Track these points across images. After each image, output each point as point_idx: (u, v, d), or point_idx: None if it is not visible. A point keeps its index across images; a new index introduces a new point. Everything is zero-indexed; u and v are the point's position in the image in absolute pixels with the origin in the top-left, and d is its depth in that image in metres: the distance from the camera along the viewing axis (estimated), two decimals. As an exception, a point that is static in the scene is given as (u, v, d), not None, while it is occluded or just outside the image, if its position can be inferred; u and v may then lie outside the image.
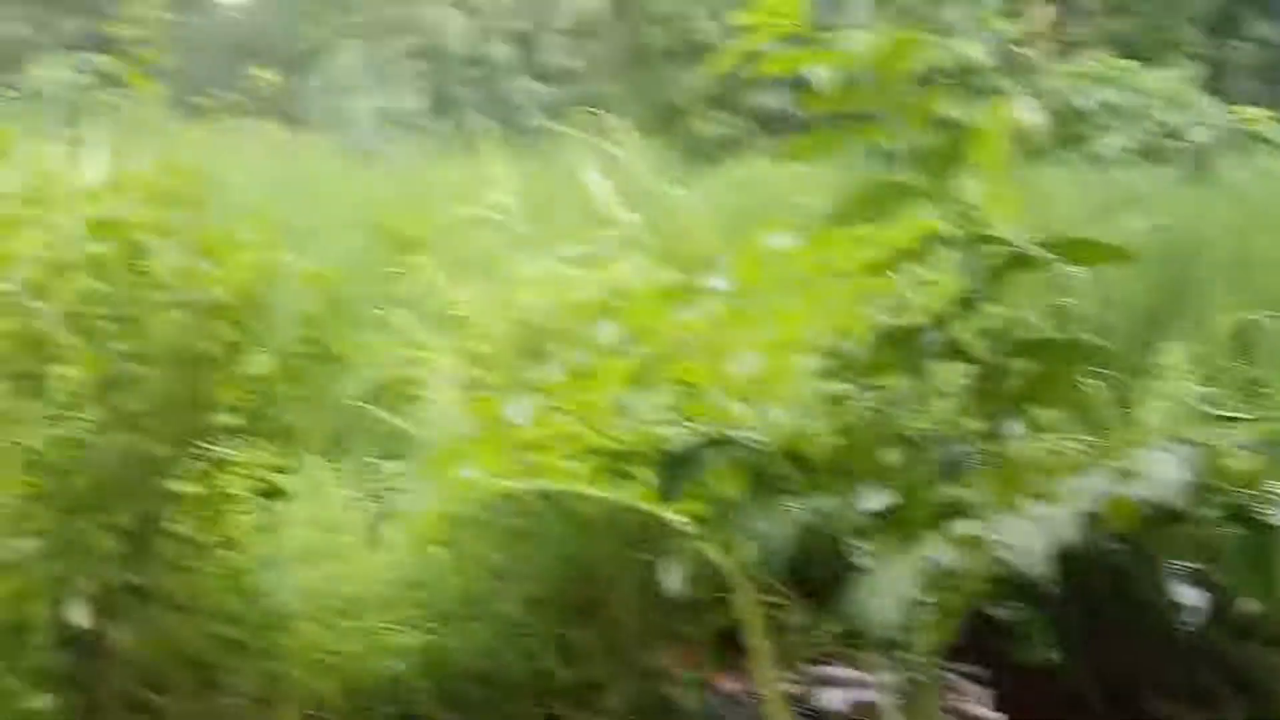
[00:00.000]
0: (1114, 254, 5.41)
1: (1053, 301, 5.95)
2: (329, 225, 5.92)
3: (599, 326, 3.36)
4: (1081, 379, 4.98)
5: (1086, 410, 5.26)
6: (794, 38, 3.93)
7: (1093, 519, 3.69)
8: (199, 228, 3.59)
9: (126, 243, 3.55)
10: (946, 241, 3.97)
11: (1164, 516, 3.81)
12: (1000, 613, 3.74)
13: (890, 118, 3.85)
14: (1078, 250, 4.57)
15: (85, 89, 18.40)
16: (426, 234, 5.56)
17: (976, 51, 15.72)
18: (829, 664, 4.43)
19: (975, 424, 4.30)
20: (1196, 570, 3.89)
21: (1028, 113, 4.46)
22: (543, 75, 16.90)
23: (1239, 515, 3.98)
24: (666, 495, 3.32)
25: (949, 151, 3.84)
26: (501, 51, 16.63)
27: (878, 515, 3.47)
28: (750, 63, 3.87)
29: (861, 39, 3.76)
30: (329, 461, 4.46)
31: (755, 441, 3.43)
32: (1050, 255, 3.97)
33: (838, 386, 4.22)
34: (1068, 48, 17.34)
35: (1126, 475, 3.25)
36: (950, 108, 4.58)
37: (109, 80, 18.43)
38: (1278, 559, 3.85)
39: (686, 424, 3.46)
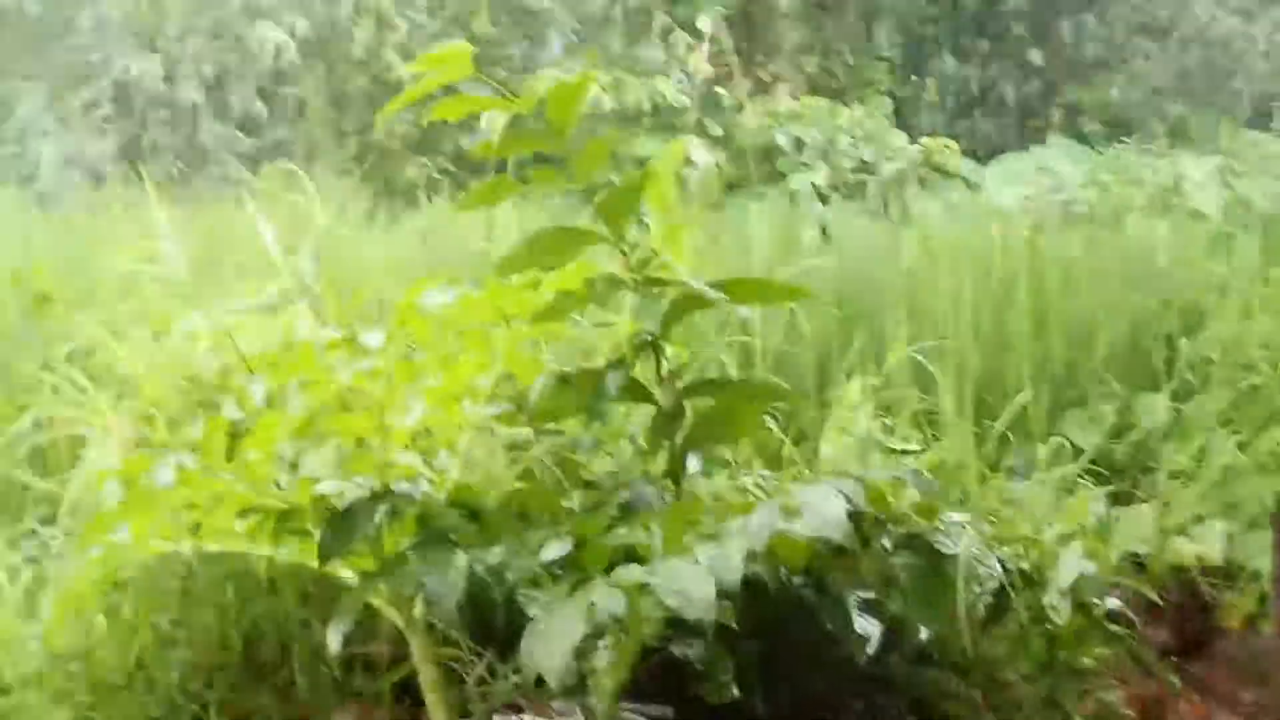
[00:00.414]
0: (787, 293, 5.53)
1: (733, 340, 6.03)
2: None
3: (254, 383, 3.29)
4: (759, 417, 5.09)
5: (765, 447, 5.38)
6: (466, 83, 3.93)
7: (763, 555, 3.76)
8: None
9: None
10: (620, 284, 4.01)
11: (835, 550, 3.90)
12: (684, 652, 3.75)
13: (565, 162, 3.87)
14: (750, 290, 4.66)
15: None
16: (91, 287, 5.39)
17: (669, 90, 15.94)
18: (516, 714, 4.40)
19: (655, 465, 4.35)
20: (873, 600, 3.96)
21: (699, 154, 4.53)
22: (238, 119, 16.60)
23: (913, 545, 4.10)
24: (329, 552, 3.26)
25: (622, 196, 3.87)
26: (194, 95, 16.29)
27: (553, 563, 3.47)
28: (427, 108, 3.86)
29: (531, 85, 3.77)
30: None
31: (421, 493, 3.40)
32: (722, 295, 4.04)
33: (515, 432, 4.23)
34: (763, 86, 17.71)
35: (790, 512, 3.31)
36: (624, 150, 4.67)
37: None
38: (949, 586, 3.98)
39: (352, 479, 3.40)
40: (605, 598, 3.03)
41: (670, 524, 3.46)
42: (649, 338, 4.14)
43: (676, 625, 3.41)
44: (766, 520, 3.25)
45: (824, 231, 9.03)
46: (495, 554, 3.33)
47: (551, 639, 2.97)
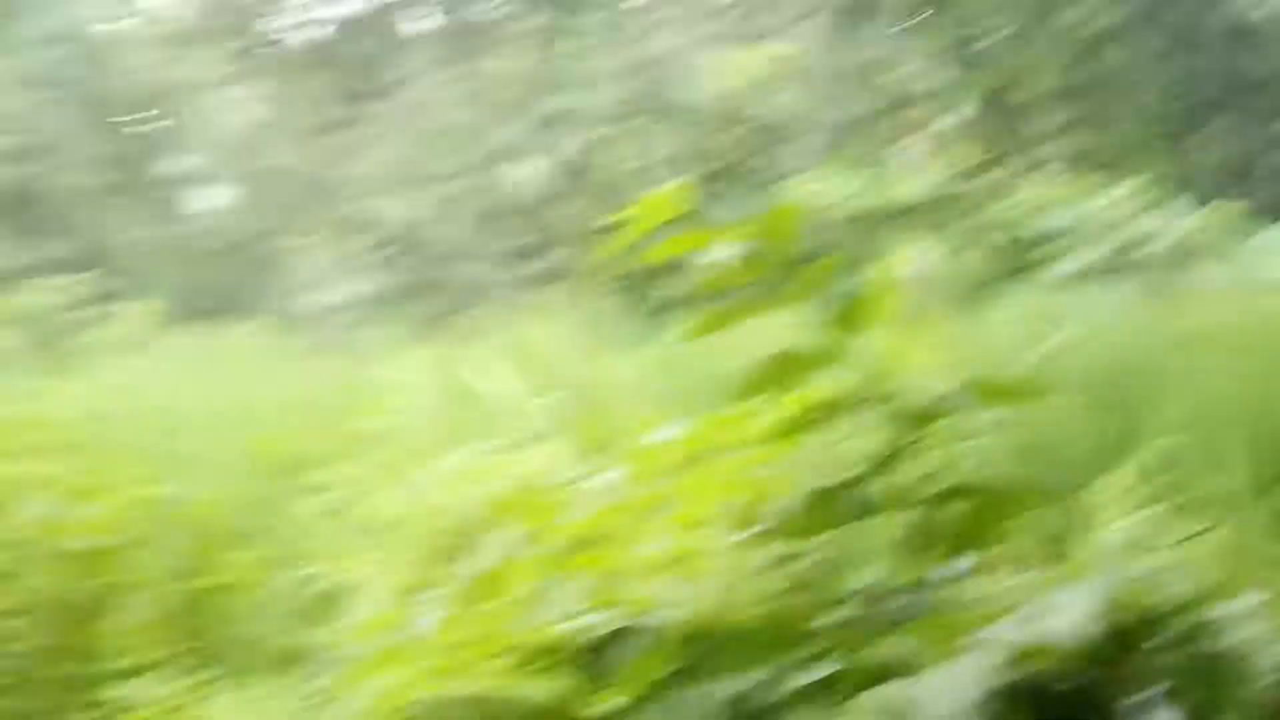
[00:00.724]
0: (1028, 391, 5.46)
1: (988, 440, 5.96)
2: (249, 435, 5.94)
3: (500, 528, 3.38)
4: (1014, 520, 5.01)
5: (1022, 551, 5.28)
6: (683, 221, 4.01)
7: (1018, 662, 3.70)
8: (70, 474, 3.59)
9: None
10: (856, 402, 4.02)
11: (1096, 653, 3.82)
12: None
13: (786, 287, 3.91)
14: (989, 392, 4.62)
15: (70, 309, 18.56)
16: (349, 438, 5.60)
17: (913, 190, 15.88)
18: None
19: (912, 574, 4.31)
20: (1146, 701, 3.86)
21: (924, 258, 4.54)
22: (504, 253, 17.05)
23: (1190, 638, 3.99)
24: (585, 688, 3.31)
25: (850, 310, 3.89)
26: (456, 233, 16.80)
27: (810, 687, 3.46)
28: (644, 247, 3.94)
29: (742, 221, 3.81)
30: (251, 685, 4.44)
31: (671, 624, 3.43)
32: (962, 401, 4.02)
33: (771, 551, 4.24)
34: (1025, 170, 17.51)
35: (1036, 617, 3.26)
36: (842, 270, 4.65)
37: (92, 299, 18.66)
38: (1229, 681, 3.86)
39: (601, 613, 3.46)
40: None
41: (935, 634, 3.43)
42: (894, 450, 4.14)
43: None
44: (1013, 627, 3.20)
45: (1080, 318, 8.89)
46: (748, 681, 3.34)
47: None
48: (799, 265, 3.94)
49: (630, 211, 3.79)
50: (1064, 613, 3.24)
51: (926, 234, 15.92)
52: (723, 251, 3.73)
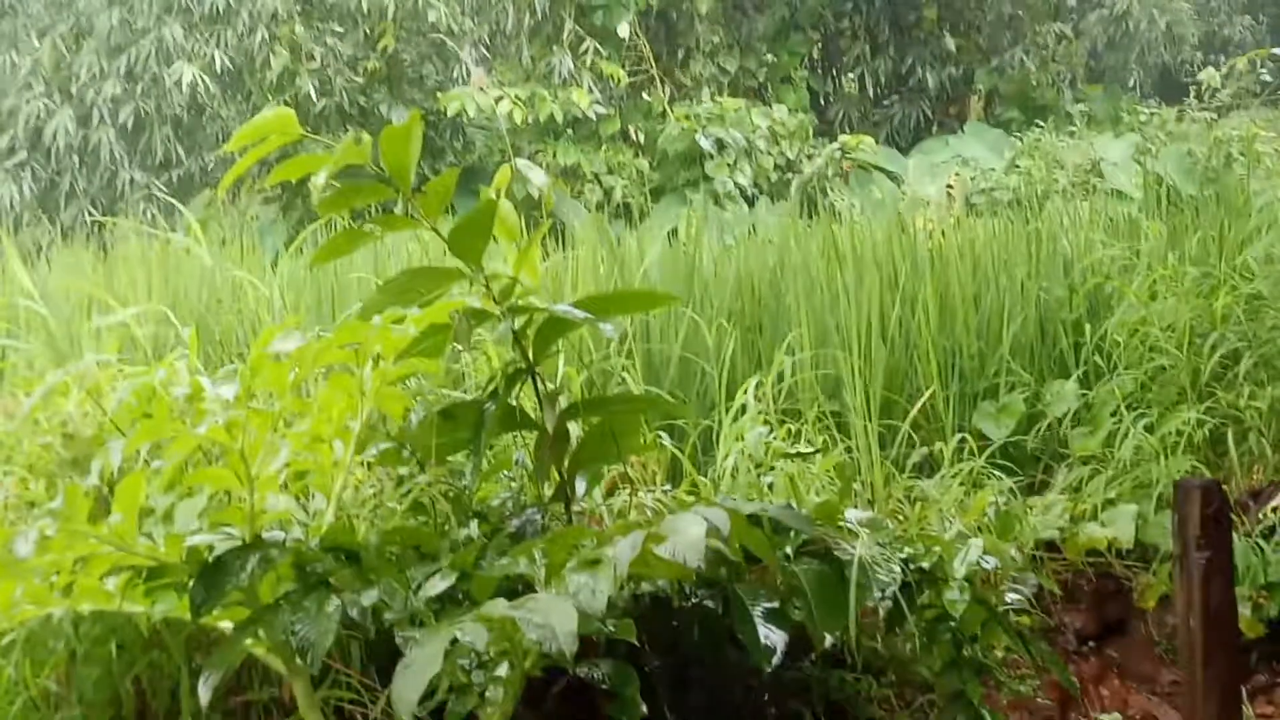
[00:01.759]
0: (651, 301, 5.52)
1: (634, 351, 6.03)
2: None
3: (114, 444, 3.27)
4: (645, 432, 5.09)
5: (671, 461, 5.38)
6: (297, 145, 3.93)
7: (640, 577, 3.77)
8: None
9: None
10: (485, 316, 4.01)
11: (728, 565, 3.91)
12: (591, 673, 3.74)
13: (412, 204, 3.87)
14: (613, 303, 4.66)
15: None
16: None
17: (584, 100, 15.91)
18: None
19: (534, 492, 4.35)
20: (778, 609, 3.97)
21: (535, 175, 4.55)
22: (157, 161, 16.51)
23: (812, 552, 4.12)
24: (201, 605, 3.24)
25: (470, 228, 3.86)
26: (108, 140, 16.21)
27: (436, 600, 3.46)
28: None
29: (354, 139, 3.75)
30: None
31: (294, 540, 3.39)
32: (586, 314, 4.04)
33: (398, 470, 4.22)
34: (683, 89, 17.68)
35: (657, 538, 3.31)
36: (549, 161, 4.64)
37: None
38: (847, 590, 3.99)
39: (221, 530, 3.39)
40: (468, 631, 3.01)
41: (552, 552, 3.45)
42: (522, 365, 4.15)
43: (580, 647, 3.39)
44: (629, 548, 3.25)
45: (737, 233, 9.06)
46: (371, 595, 3.32)
47: (409, 673, 2.95)
48: (425, 183, 3.91)
49: (238, 135, 3.72)
50: (680, 535, 3.29)
51: (581, 149, 16.00)
52: (319, 178, 3.67)
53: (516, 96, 15.74)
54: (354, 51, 15.90)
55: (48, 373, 4.33)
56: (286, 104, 14.28)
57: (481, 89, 15.83)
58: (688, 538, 3.23)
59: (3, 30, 17.68)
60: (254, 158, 3.77)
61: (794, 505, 4.34)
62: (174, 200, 11.89)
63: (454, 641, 3.02)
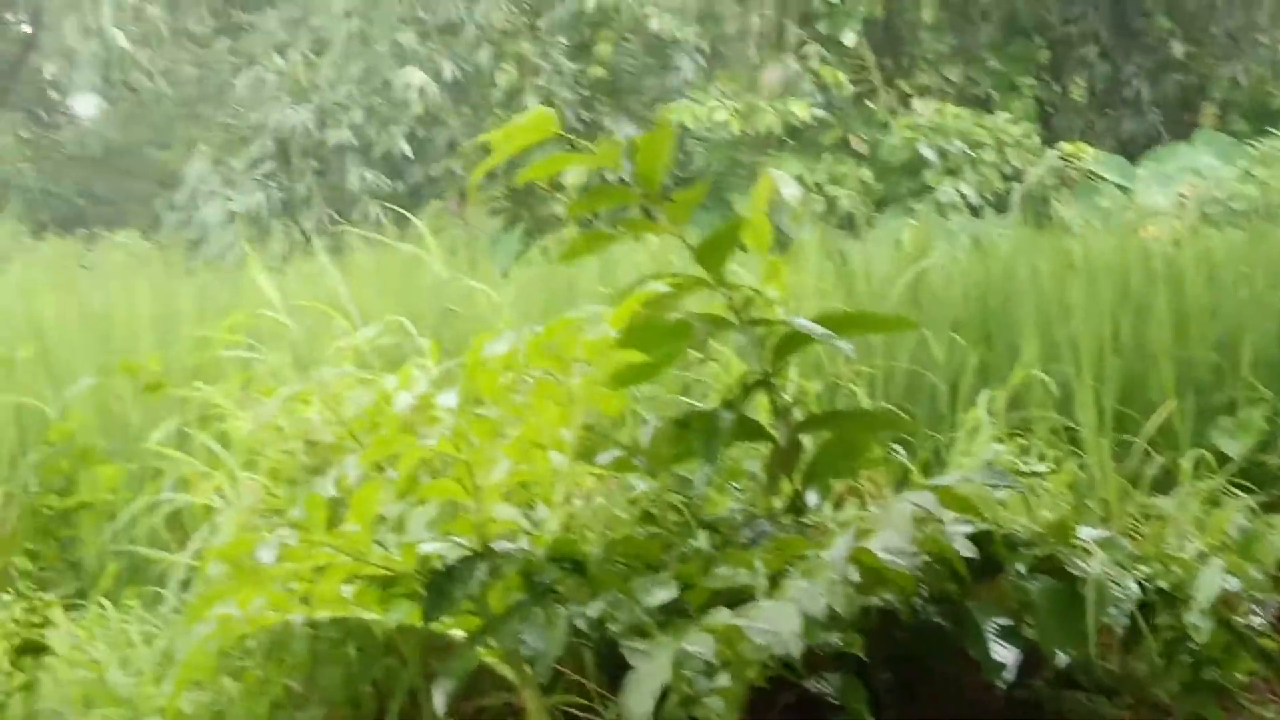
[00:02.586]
0: (891, 324, 5.50)
1: (861, 368, 5.99)
2: (123, 350, 5.86)
3: (350, 456, 3.35)
4: (876, 446, 5.05)
5: (891, 477, 5.33)
6: (552, 143, 3.97)
7: (867, 585, 3.73)
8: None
9: None
10: (724, 325, 4.02)
11: (962, 577, 3.87)
12: (819, 686, 3.73)
13: (657, 211, 3.89)
14: (854, 322, 4.64)
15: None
16: (213, 358, 5.54)
17: (803, 111, 15.86)
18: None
19: (766, 504, 4.34)
20: (1011, 626, 3.92)
21: (788, 188, 4.53)
22: (385, 164, 16.90)
23: (1047, 568, 4.05)
24: (432, 613, 3.31)
25: (719, 239, 3.88)
26: (343, 141, 16.64)
27: (660, 610, 3.48)
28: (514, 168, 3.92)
29: (615, 142, 3.79)
30: (110, 602, 4.40)
31: (521, 551, 3.43)
32: (826, 331, 4.03)
33: (625, 479, 4.24)
34: (907, 98, 17.55)
35: (866, 533, 3.30)
36: (714, 195, 4.66)
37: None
38: (1082, 609, 3.92)
39: (452, 540, 3.44)
40: (695, 642, 3.02)
41: (771, 561, 3.45)
42: (759, 376, 4.15)
43: (804, 659, 3.39)
44: (843, 548, 3.23)
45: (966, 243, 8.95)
46: (597, 606, 3.34)
47: (640, 685, 2.98)
48: (670, 189, 3.93)
49: (496, 134, 3.77)
50: (890, 529, 3.28)
51: (802, 160, 15.96)
52: (592, 175, 3.72)
53: (735, 109, 15.77)
54: (577, 64, 16.08)
55: (289, 381, 4.44)
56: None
57: (779, 93, 15.81)
58: (896, 522, 3.20)
59: (246, 48, 18.23)
60: (507, 152, 3.81)
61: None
62: (404, 211, 12.13)
63: (681, 653, 3.02)
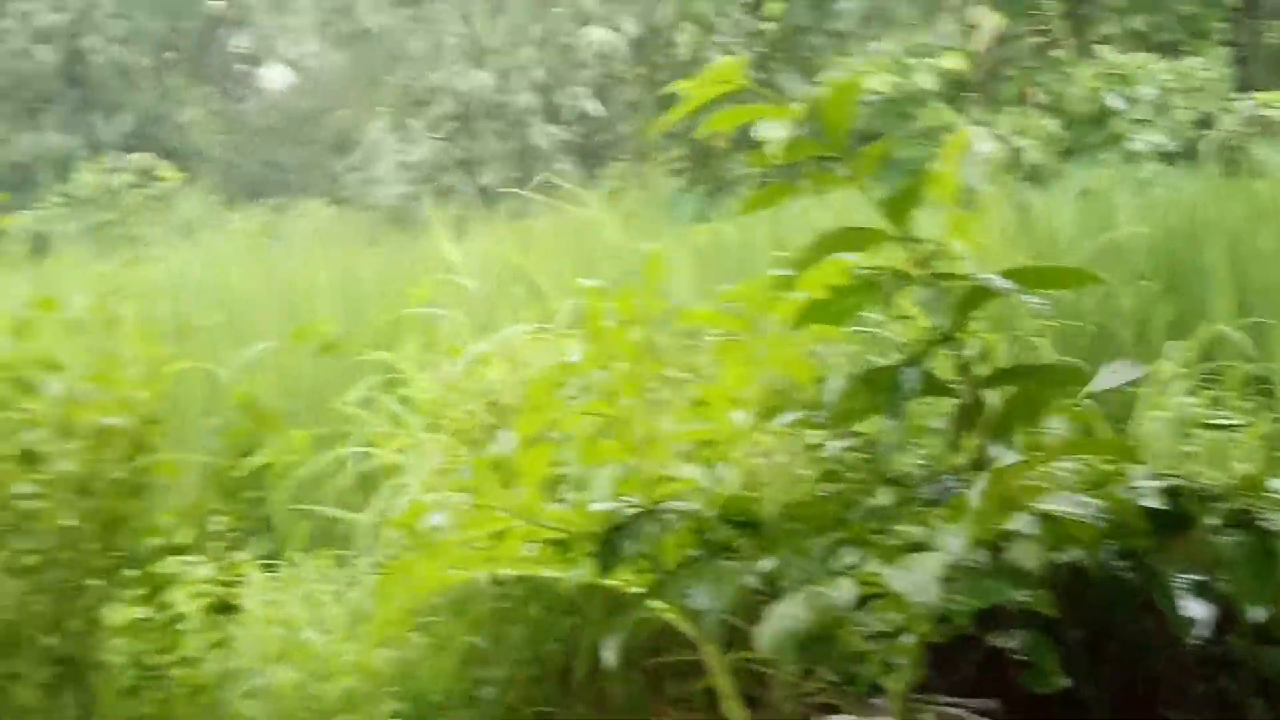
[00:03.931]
0: (1079, 278, 5.38)
1: (1046, 322, 5.90)
2: (305, 315, 6.00)
3: (531, 411, 3.39)
4: (1062, 401, 4.96)
5: (1075, 431, 5.23)
6: (738, 95, 3.94)
7: (1048, 536, 3.68)
8: (114, 351, 3.60)
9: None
10: (907, 280, 3.96)
11: (1154, 530, 3.79)
12: (1005, 642, 3.68)
13: (841, 165, 3.85)
14: (1040, 277, 4.54)
15: (130, 189, 18.67)
16: (397, 321, 5.63)
17: (970, 67, 15.63)
18: (834, 713, 4.39)
19: (952, 459, 4.28)
20: (1205, 582, 3.83)
21: (982, 143, 4.45)
22: (569, 122, 17.00)
23: (1240, 521, 3.95)
24: (604, 570, 3.33)
25: (905, 193, 3.83)
26: (525, 101, 16.77)
27: (837, 568, 3.46)
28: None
29: (799, 97, 3.75)
30: (293, 565, 4.49)
31: (691, 510, 3.42)
32: (1011, 285, 3.95)
33: (807, 436, 4.22)
34: (1090, 46, 17.20)
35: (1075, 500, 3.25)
36: (898, 148, 4.60)
37: (150, 179, 18.75)
38: (1275, 564, 3.82)
39: (628, 497, 3.46)
40: (838, 587, 3.07)
41: (950, 516, 3.41)
42: (943, 332, 4.09)
43: (990, 616, 3.36)
44: (981, 485, 3.22)
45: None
46: (769, 563, 3.33)
47: (770, 622, 3.03)
48: (855, 142, 3.88)
49: (684, 85, 3.75)
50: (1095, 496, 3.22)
51: (984, 112, 15.73)
52: (777, 128, 3.68)
53: (903, 63, 15.59)
54: (751, 25, 16.04)
55: (471, 344, 4.50)
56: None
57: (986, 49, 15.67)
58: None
59: (428, 12, 18.42)
60: (696, 102, 3.79)
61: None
62: (586, 171, 12.19)
63: (816, 594, 3.05)
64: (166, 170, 19.98)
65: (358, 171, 17.38)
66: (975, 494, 3.26)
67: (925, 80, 15.53)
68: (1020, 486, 3.32)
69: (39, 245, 15.84)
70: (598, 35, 16.30)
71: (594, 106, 17.03)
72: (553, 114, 16.97)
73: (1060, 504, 3.26)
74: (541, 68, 16.87)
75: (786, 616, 3.03)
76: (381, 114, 17.99)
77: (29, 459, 3.52)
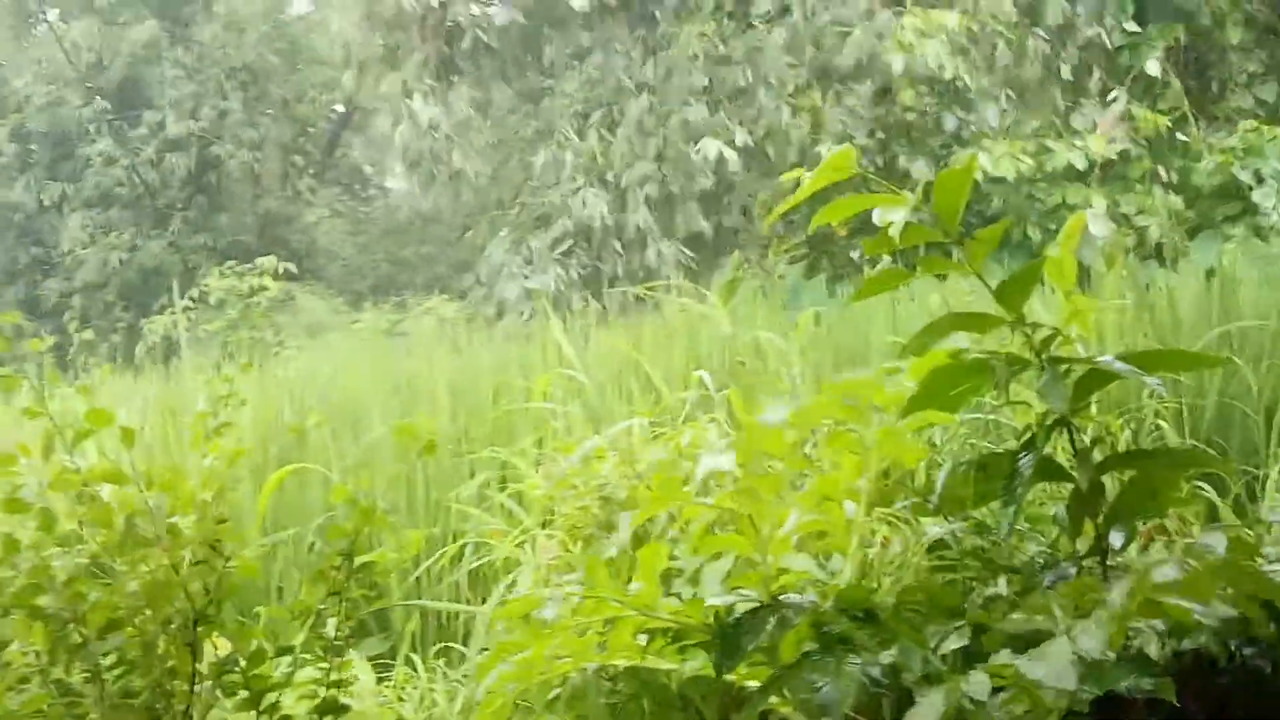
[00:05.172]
0: (1203, 362, 5.29)
1: (1167, 403, 5.80)
2: (422, 412, 6.06)
3: (643, 506, 3.39)
4: (1183, 486, 4.86)
5: (1198, 516, 5.13)
6: (851, 183, 3.94)
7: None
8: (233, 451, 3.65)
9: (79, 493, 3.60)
10: (1024, 364, 3.92)
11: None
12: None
13: (957, 251, 3.83)
14: (1164, 361, 4.48)
15: (258, 291, 19.02)
16: (513, 419, 5.67)
17: (1100, 146, 15.47)
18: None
19: (1070, 546, 4.21)
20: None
21: (1098, 225, 4.40)
22: (684, 237, 17.11)
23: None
24: (722, 664, 3.30)
25: (1021, 278, 3.80)
26: (641, 220, 16.91)
27: (954, 656, 3.41)
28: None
29: (913, 185, 3.75)
30: (412, 660, 4.50)
31: (810, 601, 3.39)
32: (1133, 369, 3.90)
33: (920, 525, 4.17)
34: (1218, 122, 17.02)
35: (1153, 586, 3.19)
36: (1016, 232, 4.56)
37: (279, 279, 19.08)
38: None
39: (739, 592, 3.44)
40: (973, 683, 3.01)
41: (1069, 605, 3.35)
42: (1059, 416, 4.03)
43: (1108, 702, 3.29)
44: (1122, 590, 3.15)
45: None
46: (889, 655, 3.29)
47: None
48: (971, 228, 3.86)
49: (794, 175, 3.75)
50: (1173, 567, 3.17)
51: (1108, 194, 15.57)
52: (890, 215, 3.67)
53: (1035, 148, 15.51)
54: (867, 111, 16.06)
55: (585, 438, 4.51)
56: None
57: (1111, 139, 15.61)
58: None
59: (545, 126, 18.61)
60: (810, 190, 3.79)
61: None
62: (701, 269, 12.24)
63: (956, 693, 2.99)
64: (293, 272, 20.36)
65: (480, 285, 17.61)
66: (1117, 596, 3.18)
67: (1055, 161, 15.43)
68: (1155, 585, 3.25)
69: (169, 350, 16.14)
70: (712, 150, 16.39)
71: (709, 226, 17.13)
72: (671, 231, 17.10)
73: (1194, 606, 3.19)
74: (656, 183, 17.01)
75: (925, 716, 2.99)
76: (500, 233, 18.23)
77: (99, 568, 3.55)
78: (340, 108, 31.03)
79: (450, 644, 4.84)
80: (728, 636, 3.30)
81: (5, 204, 28.11)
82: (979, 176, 15.90)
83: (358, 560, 3.69)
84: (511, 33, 18.57)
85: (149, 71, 28.25)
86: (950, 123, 16.30)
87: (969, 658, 3.42)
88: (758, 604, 3.37)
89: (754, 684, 3.56)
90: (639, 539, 3.48)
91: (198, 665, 3.58)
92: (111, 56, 28.26)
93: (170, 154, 27.58)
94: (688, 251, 16.95)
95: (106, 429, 3.61)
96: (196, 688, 3.57)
